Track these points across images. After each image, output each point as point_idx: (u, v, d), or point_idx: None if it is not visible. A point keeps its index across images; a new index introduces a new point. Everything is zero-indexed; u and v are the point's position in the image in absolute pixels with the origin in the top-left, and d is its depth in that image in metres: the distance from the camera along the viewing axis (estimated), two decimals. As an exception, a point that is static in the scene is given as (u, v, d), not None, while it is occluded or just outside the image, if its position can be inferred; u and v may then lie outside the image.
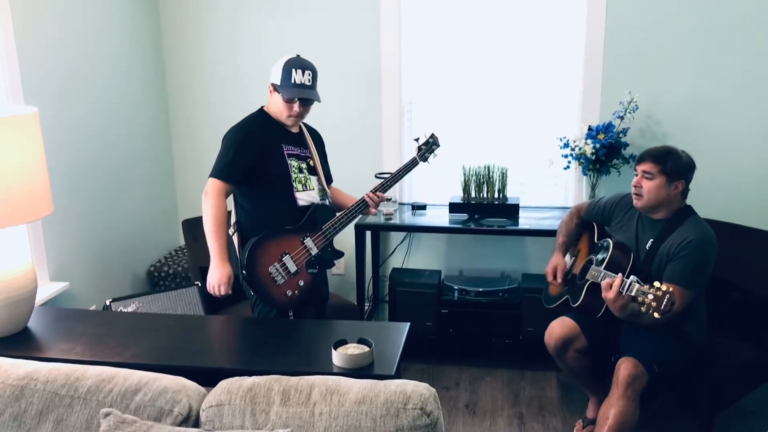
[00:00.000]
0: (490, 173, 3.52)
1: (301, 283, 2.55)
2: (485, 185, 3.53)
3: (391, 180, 2.72)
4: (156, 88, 3.81)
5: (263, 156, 2.53)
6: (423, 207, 3.66)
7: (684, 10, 3.33)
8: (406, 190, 3.85)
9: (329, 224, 2.61)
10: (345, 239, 3.74)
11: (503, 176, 3.52)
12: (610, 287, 2.39)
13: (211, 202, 2.49)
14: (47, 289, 2.88)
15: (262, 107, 2.64)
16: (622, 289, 2.37)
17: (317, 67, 2.57)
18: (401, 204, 3.78)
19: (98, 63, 3.27)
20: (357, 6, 3.60)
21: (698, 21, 3.32)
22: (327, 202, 2.68)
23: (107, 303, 2.91)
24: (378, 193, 2.69)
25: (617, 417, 2.41)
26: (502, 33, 3.59)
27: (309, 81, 2.53)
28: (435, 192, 3.78)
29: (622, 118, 3.31)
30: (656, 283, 2.28)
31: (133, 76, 3.57)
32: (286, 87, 2.50)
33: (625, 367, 2.45)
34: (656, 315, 2.24)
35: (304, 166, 2.63)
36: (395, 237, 3.85)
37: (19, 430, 1.62)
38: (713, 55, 3.35)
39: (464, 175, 3.53)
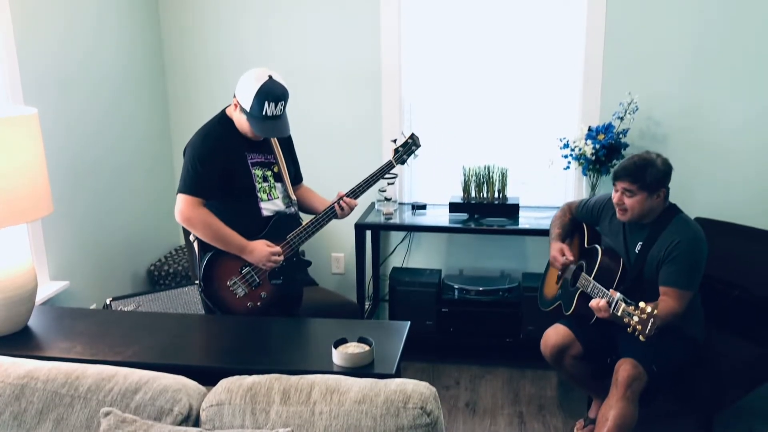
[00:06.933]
0: (490, 173, 3.52)
1: (263, 294, 2.51)
2: (485, 185, 3.52)
3: (363, 185, 2.62)
4: (156, 87, 3.81)
5: (227, 169, 2.45)
6: (423, 207, 3.66)
7: (684, 11, 3.33)
8: (406, 190, 3.85)
9: (294, 233, 2.53)
10: (345, 239, 3.76)
11: (503, 176, 3.52)
12: (599, 308, 2.39)
13: (194, 217, 2.42)
14: (47, 288, 2.88)
15: (224, 111, 2.54)
16: (609, 304, 2.38)
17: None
18: (401, 204, 3.77)
19: (98, 63, 3.27)
20: (357, 6, 3.60)
21: (698, 22, 3.32)
22: (292, 210, 2.60)
23: (107, 302, 2.91)
24: (346, 199, 2.58)
25: (617, 418, 2.41)
26: (502, 33, 3.59)
27: (280, 111, 2.41)
28: (435, 192, 3.77)
29: (622, 118, 3.31)
30: (641, 304, 2.26)
31: (133, 76, 3.57)
32: (256, 120, 2.39)
33: (624, 369, 2.45)
34: (641, 338, 2.24)
35: (269, 173, 2.55)
36: (395, 236, 3.85)
37: (20, 429, 1.62)
38: (713, 56, 3.35)
39: (464, 175, 3.53)
